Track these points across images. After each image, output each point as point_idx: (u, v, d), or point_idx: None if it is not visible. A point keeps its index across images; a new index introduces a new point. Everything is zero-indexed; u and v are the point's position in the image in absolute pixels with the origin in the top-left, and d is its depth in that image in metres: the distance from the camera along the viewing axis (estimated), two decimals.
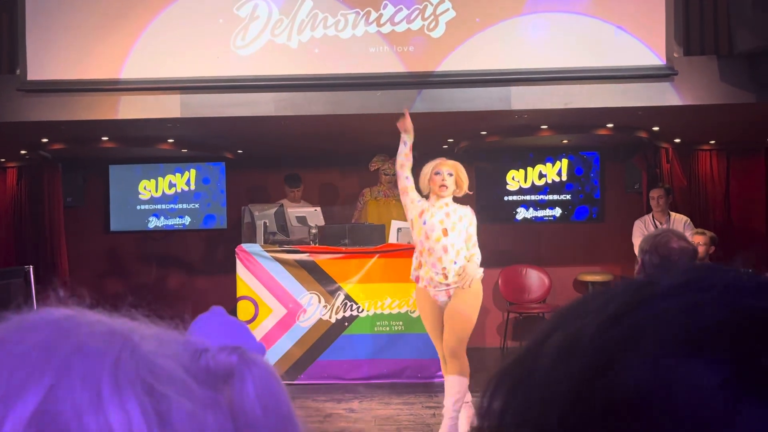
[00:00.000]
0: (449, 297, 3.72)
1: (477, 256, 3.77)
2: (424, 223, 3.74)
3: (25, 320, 0.35)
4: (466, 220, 3.78)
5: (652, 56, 4.89)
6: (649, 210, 5.98)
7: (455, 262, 3.70)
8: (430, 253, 3.72)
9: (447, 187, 3.73)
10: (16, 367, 0.32)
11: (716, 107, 5.00)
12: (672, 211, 5.89)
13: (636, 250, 3.30)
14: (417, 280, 3.84)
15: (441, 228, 3.71)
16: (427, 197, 3.83)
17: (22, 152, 6.34)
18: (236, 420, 0.35)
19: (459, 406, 3.69)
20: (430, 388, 4.95)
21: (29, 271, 5.21)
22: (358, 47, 4.94)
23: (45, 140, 5.87)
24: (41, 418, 0.30)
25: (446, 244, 3.71)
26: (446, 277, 3.71)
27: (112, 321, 0.36)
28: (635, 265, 2.63)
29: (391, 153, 6.34)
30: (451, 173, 3.76)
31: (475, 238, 3.82)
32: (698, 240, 5.21)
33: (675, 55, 4.91)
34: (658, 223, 5.78)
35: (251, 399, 0.35)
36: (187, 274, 7.15)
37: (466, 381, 3.69)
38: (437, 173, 3.75)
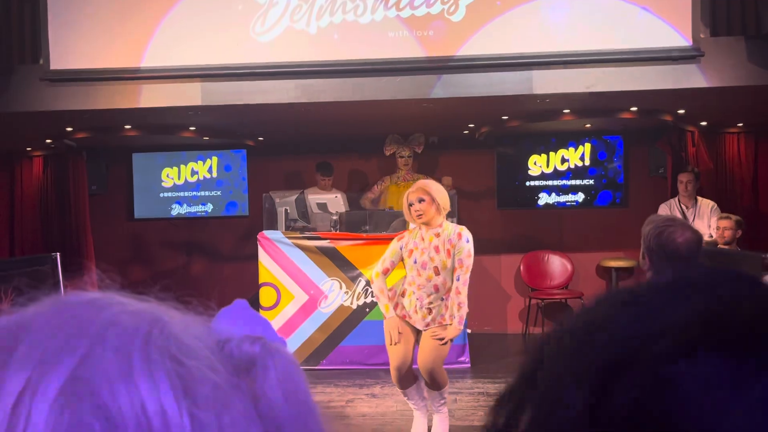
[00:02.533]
0: (426, 327, 3.64)
1: (464, 307, 3.59)
2: (415, 261, 3.64)
3: (60, 299, 0.37)
4: (454, 251, 3.58)
5: (678, 37, 4.78)
6: (674, 194, 5.89)
7: (442, 299, 3.63)
8: (419, 287, 3.63)
9: (423, 214, 3.56)
10: (51, 336, 0.33)
11: (744, 89, 4.89)
12: (698, 195, 5.79)
13: None
14: (395, 307, 3.69)
15: (432, 267, 3.60)
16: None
17: (48, 141, 6.43)
18: (258, 406, 0.36)
19: (445, 406, 3.83)
20: (452, 373, 4.95)
21: (56, 258, 5.29)
22: (377, 32, 4.91)
23: (69, 129, 5.94)
24: (74, 384, 0.32)
25: (437, 283, 3.61)
26: (430, 312, 3.63)
27: (142, 303, 0.38)
28: (641, 256, 2.52)
29: (406, 137, 6.34)
30: (421, 199, 3.56)
31: (467, 263, 3.58)
32: (724, 224, 5.12)
33: (701, 36, 4.80)
34: (684, 207, 5.69)
35: (273, 387, 0.36)
36: (210, 260, 7.22)
37: (447, 388, 3.78)
38: (410, 204, 3.60)
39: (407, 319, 3.67)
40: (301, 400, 0.38)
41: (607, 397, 0.34)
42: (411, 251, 3.65)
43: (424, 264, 3.60)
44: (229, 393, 0.35)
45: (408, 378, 3.71)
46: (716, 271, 0.39)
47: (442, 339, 3.57)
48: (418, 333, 3.69)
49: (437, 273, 3.60)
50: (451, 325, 3.58)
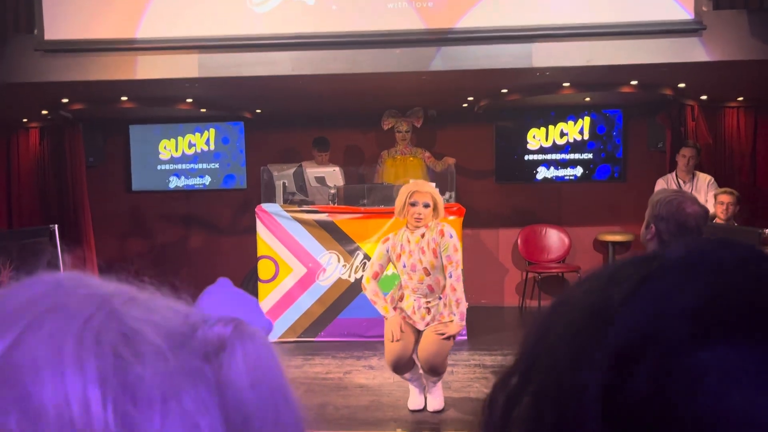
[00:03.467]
0: (426, 326, 3.67)
1: (462, 303, 3.59)
2: (404, 265, 3.64)
3: (28, 280, 0.36)
4: (439, 249, 3.58)
5: (680, 10, 4.73)
6: (672, 169, 5.88)
7: (440, 297, 3.65)
8: (414, 291, 3.66)
9: (422, 220, 3.57)
10: None
11: (746, 63, 4.85)
12: (696, 170, 5.79)
13: None
14: (395, 311, 3.72)
15: (422, 268, 3.61)
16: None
17: (44, 112, 6.38)
18: (222, 393, 0.34)
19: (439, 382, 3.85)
20: None
21: (54, 231, 5.30)
22: (376, 3, 4.84)
23: (65, 100, 5.90)
24: None
25: (430, 283, 3.63)
26: (429, 312, 3.66)
27: (102, 285, 0.36)
28: (643, 227, 2.53)
29: (404, 110, 6.30)
30: (427, 204, 3.57)
31: (456, 258, 3.57)
32: (726, 199, 5.13)
33: (703, 8, 4.75)
34: (681, 182, 5.69)
35: (240, 372, 0.34)
36: (209, 233, 7.23)
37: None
38: (413, 204, 3.58)
39: (407, 320, 3.70)
40: (273, 387, 0.35)
41: (622, 383, 0.33)
42: (399, 255, 3.66)
43: (414, 266, 3.62)
44: (177, 381, 0.32)
45: (405, 368, 3.75)
46: (726, 246, 0.37)
47: (443, 334, 3.57)
48: (418, 333, 3.71)
49: (427, 274, 3.62)
50: (452, 321, 3.59)
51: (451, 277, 3.58)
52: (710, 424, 0.31)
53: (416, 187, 3.63)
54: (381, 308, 3.69)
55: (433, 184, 5.43)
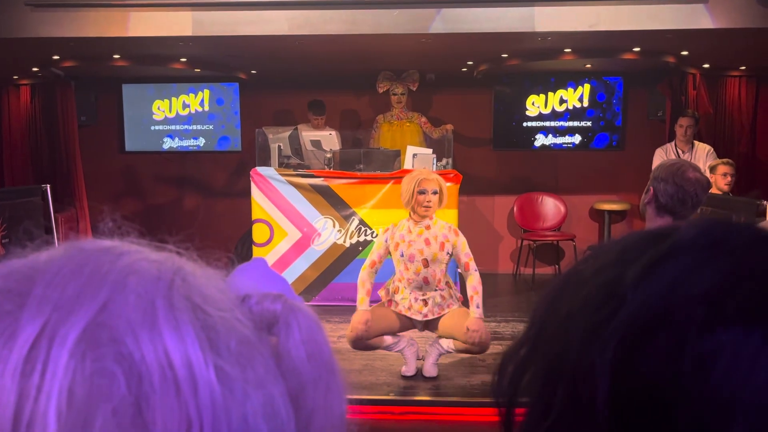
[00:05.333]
0: (425, 318, 3.63)
1: (477, 296, 3.50)
2: (401, 255, 3.59)
3: (73, 244, 0.35)
4: (449, 245, 3.57)
5: None
6: (671, 138, 5.84)
7: (436, 289, 3.61)
8: (409, 282, 3.61)
9: (431, 208, 3.53)
10: (69, 280, 0.31)
11: (751, 31, 4.77)
12: (694, 140, 5.74)
13: None
14: (389, 304, 3.68)
15: (421, 259, 3.56)
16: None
17: (34, 69, 6.26)
18: (280, 364, 0.35)
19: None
20: None
21: (47, 190, 5.25)
22: None
23: (56, 57, 5.77)
24: (95, 330, 0.30)
25: (426, 275, 3.58)
26: (426, 304, 3.61)
27: (160, 252, 0.36)
28: (644, 194, 2.54)
29: (400, 73, 6.20)
30: (436, 191, 3.53)
31: (465, 259, 3.57)
32: (727, 170, 5.10)
33: None
34: (680, 151, 5.65)
35: (297, 346, 0.36)
36: (203, 196, 7.18)
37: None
38: (422, 192, 3.53)
39: (401, 314, 3.67)
40: (324, 360, 0.37)
41: (632, 362, 0.33)
42: (397, 244, 3.61)
43: (412, 257, 3.58)
44: (253, 348, 0.33)
45: (362, 348, 3.68)
46: (736, 228, 0.37)
47: (477, 330, 3.48)
48: (411, 323, 3.70)
49: (426, 265, 3.58)
50: (475, 315, 3.52)
51: (476, 271, 3.57)
52: (722, 405, 0.31)
53: (423, 174, 3.59)
54: (358, 298, 3.66)
55: (430, 150, 5.38)
